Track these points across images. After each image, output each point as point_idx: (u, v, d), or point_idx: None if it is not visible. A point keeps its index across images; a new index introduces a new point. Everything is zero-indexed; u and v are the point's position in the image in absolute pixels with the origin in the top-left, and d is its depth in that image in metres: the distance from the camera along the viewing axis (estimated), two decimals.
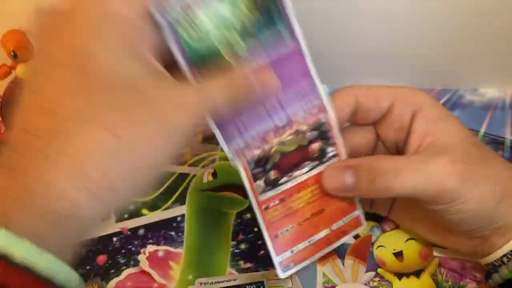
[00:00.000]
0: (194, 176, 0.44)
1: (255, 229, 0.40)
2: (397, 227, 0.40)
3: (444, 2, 0.40)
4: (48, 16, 0.24)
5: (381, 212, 0.39)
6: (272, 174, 0.31)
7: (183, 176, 0.44)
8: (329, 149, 0.32)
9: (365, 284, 0.38)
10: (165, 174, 0.43)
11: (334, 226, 0.33)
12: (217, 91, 0.25)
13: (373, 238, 0.40)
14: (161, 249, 0.41)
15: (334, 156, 0.33)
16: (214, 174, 0.44)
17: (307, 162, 0.32)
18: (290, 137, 0.31)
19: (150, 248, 0.41)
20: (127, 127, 0.22)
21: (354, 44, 0.44)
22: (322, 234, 0.33)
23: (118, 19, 0.23)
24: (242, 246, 0.40)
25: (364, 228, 0.35)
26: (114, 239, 0.42)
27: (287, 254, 0.32)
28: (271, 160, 0.31)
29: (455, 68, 0.46)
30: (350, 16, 0.41)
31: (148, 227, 0.42)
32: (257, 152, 0.30)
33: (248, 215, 0.41)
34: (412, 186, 0.29)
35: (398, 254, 0.39)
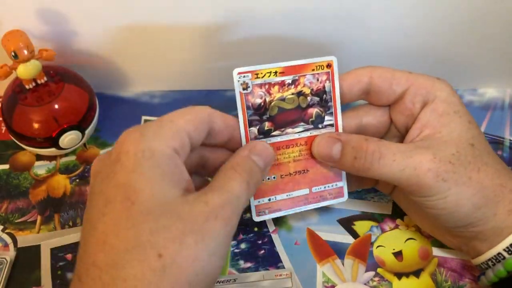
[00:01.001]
0: None
1: (255, 229, 0.40)
2: (396, 227, 0.40)
3: (444, 2, 0.40)
4: (100, 160, 0.29)
5: (383, 190, 0.39)
6: (266, 125, 0.34)
7: None
8: (327, 118, 0.34)
9: (365, 284, 0.38)
10: None
11: (315, 189, 0.36)
12: (237, 188, 0.28)
13: (373, 238, 0.40)
14: None
15: (330, 125, 0.35)
16: None
17: (302, 124, 0.34)
18: (291, 96, 0.34)
19: None
20: (171, 247, 0.25)
21: (354, 44, 0.44)
22: (301, 192, 0.35)
23: (156, 155, 0.27)
24: (242, 246, 0.40)
25: (344, 200, 0.36)
26: None
27: (265, 200, 0.35)
28: (269, 112, 0.33)
29: (454, 68, 0.46)
30: (351, 16, 0.41)
31: None
32: (258, 101, 0.33)
33: (248, 215, 0.41)
34: (389, 172, 0.31)
35: (398, 254, 0.39)
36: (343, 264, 0.39)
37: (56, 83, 0.42)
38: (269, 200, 0.35)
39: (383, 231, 0.40)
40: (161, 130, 0.28)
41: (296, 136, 0.34)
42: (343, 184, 0.36)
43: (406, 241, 0.39)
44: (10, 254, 0.39)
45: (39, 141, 0.41)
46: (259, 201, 0.35)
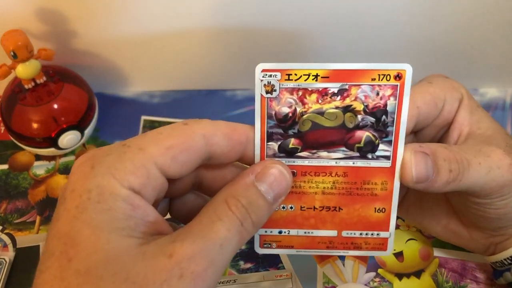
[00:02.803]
0: None
1: None
2: (397, 227, 0.40)
3: (444, 2, 0.40)
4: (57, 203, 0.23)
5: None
6: (292, 142, 0.26)
7: None
8: (382, 146, 0.26)
9: (366, 285, 0.38)
10: None
11: (346, 233, 0.28)
12: (223, 232, 0.22)
13: None
14: None
15: (385, 157, 0.26)
16: None
17: (343, 148, 0.26)
18: (334, 110, 0.26)
19: None
20: None
21: (354, 44, 0.44)
22: (327, 233, 0.28)
23: (105, 196, 0.21)
24: (242, 246, 0.40)
25: (387, 254, 0.29)
26: None
27: (274, 232, 0.28)
28: (298, 126, 0.26)
29: (455, 68, 0.46)
30: (351, 17, 0.41)
31: None
32: (286, 110, 0.26)
33: None
34: (478, 178, 0.27)
35: (399, 255, 0.39)
36: (343, 265, 0.38)
37: (55, 83, 0.41)
38: (280, 233, 0.28)
39: None
40: (119, 163, 0.22)
41: (333, 163, 0.26)
42: (389, 235, 0.28)
43: (407, 241, 0.39)
44: (9, 254, 0.39)
45: (38, 141, 0.41)
46: (266, 231, 0.28)
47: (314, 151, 0.26)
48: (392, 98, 0.25)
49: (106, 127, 0.46)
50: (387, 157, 0.26)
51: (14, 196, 0.42)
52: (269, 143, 0.26)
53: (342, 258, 0.39)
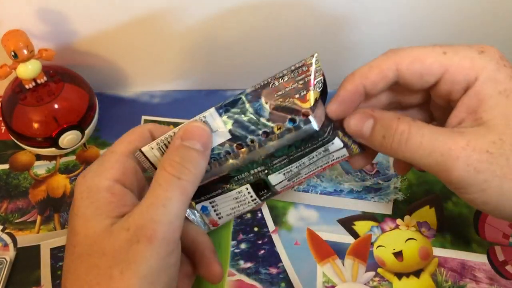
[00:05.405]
0: None
1: (255, 229, 0.40)
2: (397, 227, 0.40)
3: (444, 3, 0.40)
4: None
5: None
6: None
7: None
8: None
9: (365, 284, 0.38)
10: None
11: None
12: (161, 194, 0.27)
13: (373, 238, 0.40)
14: None
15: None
16: None
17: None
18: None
19: None
20: (103, 283, 0.26)
21: (354, 44, 0.44)
22: None
23: (92, 192, 0.28)
24: (242, 246, 0.40)
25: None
26: None
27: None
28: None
29: None
30: (351, 17, 0.41)
31: None
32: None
33: (248, 215, 0.41)
34: (415, 155, 0.28)
35: (398, 254, 0.39)
36: (343, 264, 0.39)
37: (56, 83, 0.42)
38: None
39: (383, 231, 0.40)
40: (101, 166, 0.29)
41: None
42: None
43: (406, 241, 0.39)
44: (10, 254, 0.39)
45: (38, 141, 0.41)
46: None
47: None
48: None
49: (106, 127, 0.46)
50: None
51: (14, 196, 0.42)
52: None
53: (341, 257, 0.39)
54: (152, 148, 0.30)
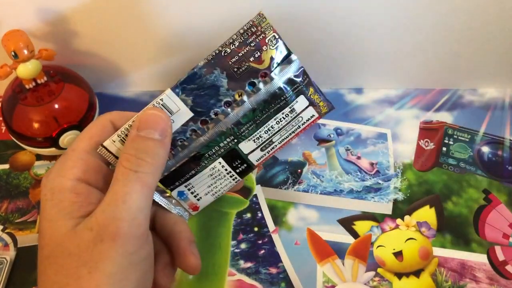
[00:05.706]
0: None
1: (255, 229, 0.40)
2: (397, 227, 0.40)
3: (443, 3, 0.40)
4: None
5: None
6: None
7: None
8: None
9: (365, 284, 0.38)
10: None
11: None
12: (119, 190, 0.26)
13: (373, 238, 0.40)
14: None
15: None
16: None
17: None
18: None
19: None
20: (71, 283, 0.25)
21: (354, 44, 0.44)
22: None
23: (55, 193, 0.27)
24: (242, 246, 0.40)
25: None
26: None
27: None
28: None
29: (454, 68, 0.47)
30: (351, 17, 0.41)
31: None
32: None
33: (248, 215, 0.41)
34: None
35: (398, 254, 0.39)
36: (343, 264, 0.39)
37: (56, 83, 0.42)
38: None
39: (383, 231, 0.40)
40: (63, 165, 0.28)
41: None
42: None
43: (406, 241, 0.39)
44: (10, 254, 0.39)
45: (39, 141, 0.41)
46: None
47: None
48: None
49: None
50: None
51: (15, 196, 0.42)
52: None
53: (341, 257, 0.39)
54: (114, 141, 0.29)
